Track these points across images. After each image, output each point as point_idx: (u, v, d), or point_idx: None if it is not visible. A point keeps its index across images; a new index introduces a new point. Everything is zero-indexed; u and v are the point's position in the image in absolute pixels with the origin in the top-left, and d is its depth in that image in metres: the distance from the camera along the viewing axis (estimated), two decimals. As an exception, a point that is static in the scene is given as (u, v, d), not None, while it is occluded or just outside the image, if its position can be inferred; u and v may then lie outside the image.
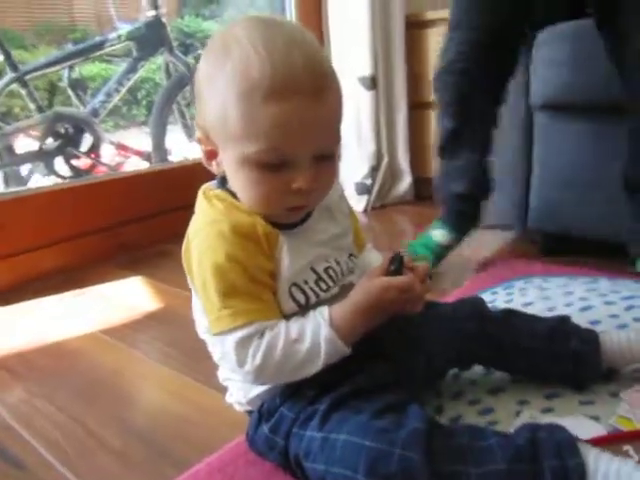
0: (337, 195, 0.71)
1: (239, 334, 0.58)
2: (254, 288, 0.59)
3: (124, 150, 2.40)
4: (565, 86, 1.20)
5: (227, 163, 0.61)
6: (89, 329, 1.13)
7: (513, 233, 1.48)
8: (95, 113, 2.06)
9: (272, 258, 0.61)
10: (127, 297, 1.32)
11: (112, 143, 2.30)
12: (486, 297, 1.10)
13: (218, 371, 0.71)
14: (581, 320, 0.96)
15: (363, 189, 1.99)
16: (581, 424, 0.70)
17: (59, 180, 2.05)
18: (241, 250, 0.58)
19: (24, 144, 2.02)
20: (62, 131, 2.00)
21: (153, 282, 1.39)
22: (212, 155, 0.63)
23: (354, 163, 1.99)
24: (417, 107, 1.98)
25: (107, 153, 2.28)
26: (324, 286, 0.65)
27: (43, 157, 1.95)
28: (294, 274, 0.62)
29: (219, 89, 0.57)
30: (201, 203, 0.64)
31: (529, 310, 1.00)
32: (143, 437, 0.76)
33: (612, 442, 0.63)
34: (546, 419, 0.71)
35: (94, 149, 2.05)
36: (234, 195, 0.63)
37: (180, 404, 0.84)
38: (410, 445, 0.52)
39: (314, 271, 0.64)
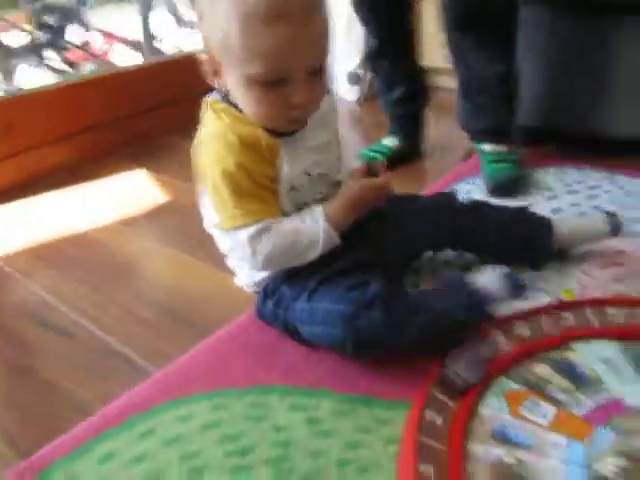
0: (328, 105, 0.78)
1: (251, 230, 0.70)
2: (259, 191, 0.70)
3: (110, 38, 2.38)
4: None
5: (231, 82, 0.69)
6: (106, 220, 1.25)
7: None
8: (82, 2, 2.02)
9: (273, 166, 0.71)
10: (135, 190, 1.42)
11: (99, 31, 2.27)
12: (464, 186, 1.23)
13: (227, 260, 0.84)
14: (546, 208, 1.10)
15: (355, 79, 2.02)
16: (534, 295, 0.85)
17: (49, 73, 2.05)
18: (247, 159, 0.68)
19: (11, 37, 2.00)
20: (51, 22, 1.97)
21: (158, 175, 1.48)
22: (216, 74, 0.70)
23: (346, 53, 2.00)
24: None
25: (95, 42, 2.26)
26: (317, 189, 0.76)
27: (34, 50, 1.95)
28: (292, 179, 0.73)
29: (220, 15, 0.64)
30: (209, 115, 0.72)
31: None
32: (170, 311, 0.91)
33: (551, 310, 0.79)
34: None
35: (83, 40, 2.03)
36: (237, 108, 0.71)
37: (198, 284, 0.98)
38: (372, 305, 0.67)
39: (309, 175, 0.75)
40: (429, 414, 0.63)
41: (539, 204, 1.12)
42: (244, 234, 0.70)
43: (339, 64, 2.01)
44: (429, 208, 0.87)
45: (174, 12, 2.30)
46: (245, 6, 0.62)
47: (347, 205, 0.73)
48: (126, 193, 1.41)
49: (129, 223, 1.24)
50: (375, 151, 1.42)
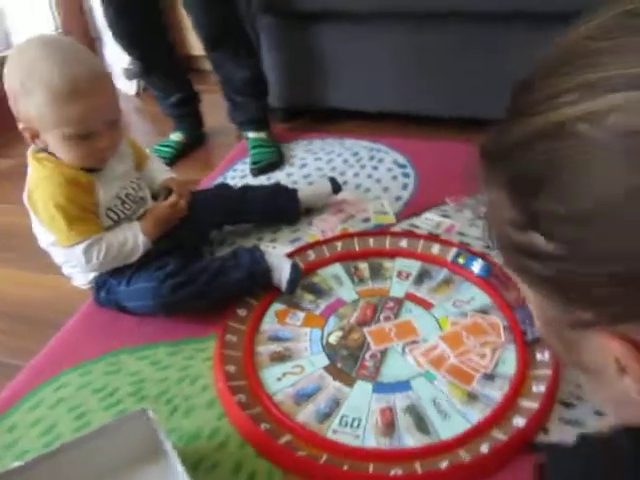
0: (124, 145, 1.05)
1: (84, 245, 0.97)
2: (85, 215, 0.97)
3: None
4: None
5: (50, 140, 0.93)
6: None
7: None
8: None
9: (92, 195, 0.98)
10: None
11: None
12: (240, 166, 1.58)
13: (62, 268, 1.08)
14: (299, 175, 1.50)
15: (131, 74, 2.21)
16: (288, 245, 1.24)
17: None
18: (72, 193, 0.95)
19: None
20: None
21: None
22: (35, 136, 0.94)
23: (118, 51, 2.16)
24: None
25: None
26: (127, 206, 1.05)
27: None
28: (107, 202, 1.00)
29: (34, 99, 0.88)
30: (34, 164, 0.96)
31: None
32: (21, 318, 1.13)
33: (301, 251, 1.18)
34: (274, 243, 1.24)
35: None
36: (55, 156, 0.96)
37: (42, 290, 1.19)
38: (168, 278, 0.99)
39: (119, 198, 1.03)
40: (228, 337, 0.98)
41: (294, 174, 1.53)
42: (78, 249, 0.97)
43: (113, 62, 2.18)
44: (209, 199, 1.21)
45: None
46: (49, 91, 0.88)
47: (157, 222, 1.05)
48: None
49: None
50: (164, 145, 1.69)
